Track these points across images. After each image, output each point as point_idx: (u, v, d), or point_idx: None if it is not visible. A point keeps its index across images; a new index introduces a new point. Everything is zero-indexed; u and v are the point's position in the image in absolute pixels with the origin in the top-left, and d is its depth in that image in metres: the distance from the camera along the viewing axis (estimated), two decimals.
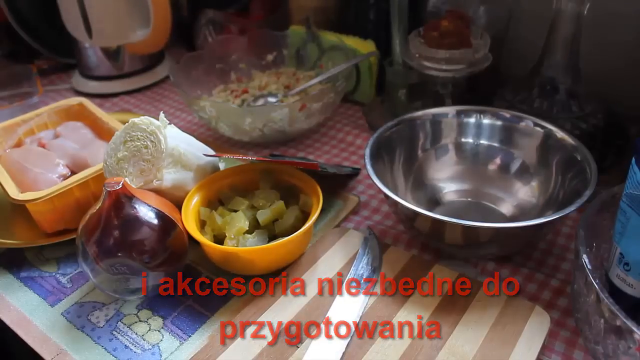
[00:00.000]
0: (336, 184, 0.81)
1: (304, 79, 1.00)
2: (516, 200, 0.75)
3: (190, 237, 0.64)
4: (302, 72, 1.03)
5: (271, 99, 0.96)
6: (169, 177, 0.66)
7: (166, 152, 0.66)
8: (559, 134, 0.72)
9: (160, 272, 0.61)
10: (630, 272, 0.55)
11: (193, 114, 0.97)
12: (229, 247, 0.63)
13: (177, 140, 0.68)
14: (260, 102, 0.96)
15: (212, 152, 0.73)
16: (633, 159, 0.55)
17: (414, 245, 0.71)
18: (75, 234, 0.62)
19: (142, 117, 0.67)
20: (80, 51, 1.15)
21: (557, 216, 0.59)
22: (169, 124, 0.68)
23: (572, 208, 0.59)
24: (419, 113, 0.78)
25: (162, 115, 0.68)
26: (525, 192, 0.74)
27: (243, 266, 0.64)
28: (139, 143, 0.66)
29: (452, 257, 0.68)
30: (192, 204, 0.68)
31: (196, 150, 0.71)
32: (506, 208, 0.75)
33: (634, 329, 0.46)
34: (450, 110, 0.79)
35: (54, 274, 0.70)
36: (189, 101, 0.88)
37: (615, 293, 0.57)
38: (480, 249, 0.67)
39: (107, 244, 0.59)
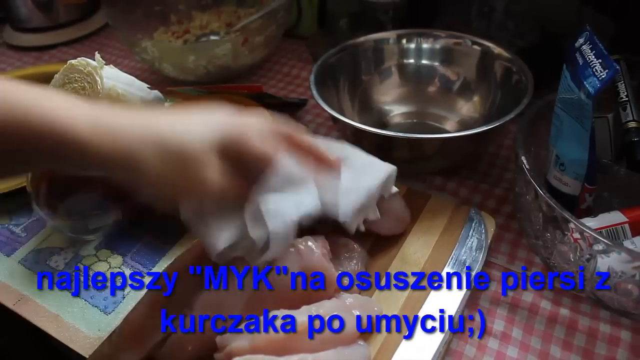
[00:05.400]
0: (284, 115, 0.82)
1: (245, 16, 0.99)
2: (459, 117, 0.77)
3: None
4: (243, 9, 1.02)
5: (214, 38, 0.95)
6: None
7: (102, 93, 0.65)
8: (496, 49, 0.74)
9: (116, 208, 0.61)
10: (565, 171, 0.58)
11: (136, 58, 0.96)
12: None
13: (115, 80, 0.67)
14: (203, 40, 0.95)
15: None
16: (564, 65, 0.57)
17: None
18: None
19: (79, 59, 0.66)
20: (9, 2, 1.10)
21: (496, 124, 0.61)
22: (106, 64, 0.67)
23: (511, 115, 0.62)
24: (361, 39, 0.79)
25: (97, 55, 0.67)
26: (467, 108, 0.77)
27: None
28: (76, 85, 0.65)
29: (401, 173, 0.70)
30: None
31: (137, 90, 0.70)
32: (450, 125, 0.77)
33: (568, 217, 0.50)
34: (391, 34, 0.80)
35: (6, 225, 0.69)
36: (130, 43, 0.86)
37: (553, 194, 0.60)
38: (427, 163, 0.69)
39: (61, 185, 0.59)
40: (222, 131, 0.45)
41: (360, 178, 0.53)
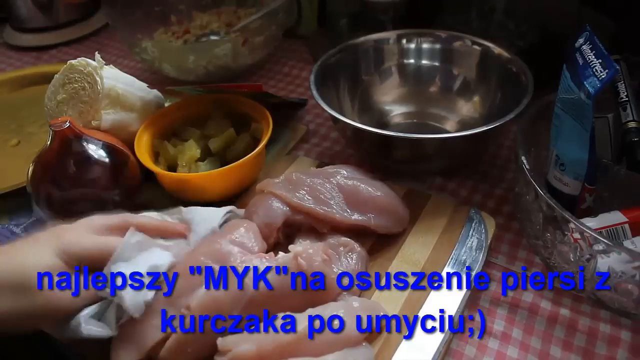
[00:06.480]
0: (284, 115, 0.82)
1: (245, 16, 0.99)
2: (459, 117, 0.77)
3: (145, 177, 0.64)
4: (243, 9, 1.02)
5: (214, 38, 0.95)
6: (107, 117, 0.66)
7: (103, 93, 0.65)
8: (496, 50, 0.74)
9: (116, 207, 0.61)
10: (565, 171, 0.58)
11: (136, 58, 0.96)
12: (180, 173, 0.64)
13: (115, 80, 0.67)
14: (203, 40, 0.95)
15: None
16: (564, 65, 0.57)
17: (364, 167, 0.72)
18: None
19: (79, 59, 0.66)
20: (9, 2, 1.10)
21: (496, 124, 0.61)
22: (106, 64, 0.67)
23: (511, 116, 0.62)
24: (361, 39, 0.79)
25: (97, 55, 0.67)
26: (467, 108, 0.77)
27: (195, 193, 0.65)
28: (76, 85, 0.65)
29: (400, 174, 0.70)
30: (145, 137, 0.68)
31: (137, 90, 0.70)
32: (450, 125, 0.77)
33: (568, 217, 0.50)
34: (391, 34, 0.80)
35: (6, 225, 0.69)
36: (130, 43, 0.86)
37: (553, 194, 0.60)
38: (427, 163, 0.69)
39: (61, 185, 0.59)
40: (55, 247, 0.48)
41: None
